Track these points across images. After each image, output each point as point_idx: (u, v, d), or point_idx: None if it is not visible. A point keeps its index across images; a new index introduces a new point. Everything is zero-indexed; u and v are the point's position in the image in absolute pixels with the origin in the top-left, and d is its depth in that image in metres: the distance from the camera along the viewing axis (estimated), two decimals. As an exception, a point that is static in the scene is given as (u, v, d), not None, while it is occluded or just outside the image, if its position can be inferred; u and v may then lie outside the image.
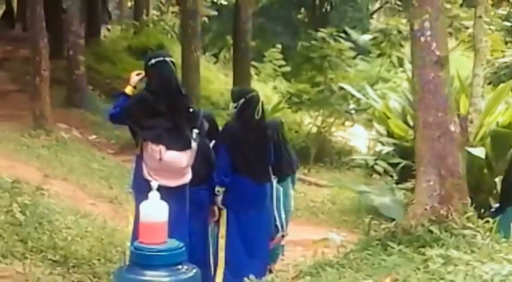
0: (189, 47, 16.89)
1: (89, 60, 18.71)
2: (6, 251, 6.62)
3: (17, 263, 6.52)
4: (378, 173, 14.25)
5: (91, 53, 20.19)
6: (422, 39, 5.71)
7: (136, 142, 5.95)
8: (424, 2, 5.73)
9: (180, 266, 4.14)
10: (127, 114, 5.82)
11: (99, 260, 7.08)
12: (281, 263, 8.12)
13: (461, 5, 20.73)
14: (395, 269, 4.76)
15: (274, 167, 7.19)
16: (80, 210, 8.56)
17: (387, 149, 13.92)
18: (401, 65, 21.94)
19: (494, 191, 10.06)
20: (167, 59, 5.98)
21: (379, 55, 22.65)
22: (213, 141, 6.90)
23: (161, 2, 34.27)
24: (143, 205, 4.27)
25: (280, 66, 25.21)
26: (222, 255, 7.06)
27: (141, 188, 5.68)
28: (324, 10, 32.30)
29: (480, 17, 11.27)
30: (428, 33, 5.69)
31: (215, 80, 24.75)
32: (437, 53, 5.68)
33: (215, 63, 29.39)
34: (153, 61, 5.93)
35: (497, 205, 7.19)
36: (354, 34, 28.15)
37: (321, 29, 18.38)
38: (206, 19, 31.07)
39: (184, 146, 5.82)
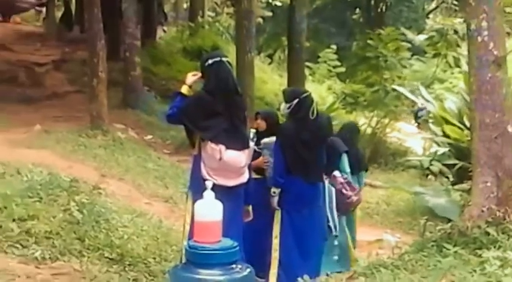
0: (243, 48, 16.95)
1: (145, 62, 18.91)
2: (64, 248, 6.73)
3: (75, 261, 6.62)
4: (433, 174, 14.14)
5: (147, 54, 20.40)
6: (479, 39, 5.65)
7: (192, 142, 5.98)
8: (481, 1, 5.67)
9: (234, 265, 4.16)
10: (185, 114, 5.86)
11: (154, 258, 7.14)
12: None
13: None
14: (451, 271, 4.72)
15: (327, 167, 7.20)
16: (135, 210, 8.63)
17: (443, 150, 13.79)
18: (457, 65, 21.72)
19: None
20: (224, 59, 6.01)
21: (435, 55, 22.49)
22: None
23: (216, 3, 34.49)
24: (198, 204, 4.31)
25: (334, 67, 25.17)
26: (275, 255, 7.07)
27: (198, 188, 5.72)
28: (379, 10, 32.10)
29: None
30: (486, 32, 5.62)
31: (269, 80, 24.80)
32: (495, 52, 5.61)
33: (270, 64, 29.46)
34: (210, 61, 5.96)
35: None
36: (409, 34, 27.92)
37: (376, 29, 18.28)
38: (261, 20, 31.17)
39: (243, 145, 5.86)
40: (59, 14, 29.41)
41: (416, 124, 22.32)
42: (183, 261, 4.52)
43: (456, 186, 12.16)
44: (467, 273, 4.59)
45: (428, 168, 14.25)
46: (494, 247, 5.00)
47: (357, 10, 35.00)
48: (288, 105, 6.88)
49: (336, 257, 8.08)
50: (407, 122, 22.28)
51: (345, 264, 8.01)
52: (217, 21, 30.91)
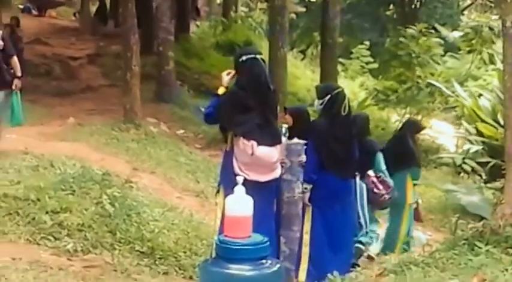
0: (276, 44, 16.94)
1: (178, 56, 18.96)
2: (96, 241, 6.79)
3: (106, 254, 6.68)
4: (466, 172, 14.03)
5: (180, 48, 20.46)
6: (515, 35, 5.59)
7: (225, 137, 6.02)
8: (516, -2, 5.60)
9: (264, 261, 4.17)
10: (219, 112, 5.92)
11: (184, 252, 7.18)
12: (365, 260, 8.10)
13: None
14: (482, 270, 4.69)
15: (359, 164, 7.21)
16: (167, 203, 8.68)
17: (476, 147, 13.69)
18: (492, 62, 21.49)
19: None
20: (257, 56, 6.03)
21: (470, 52, 22.26)
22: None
23: (250, -1, 34.49)
24: (229, 199, 4.32)
25: (367, 63, 25.07)
26: (306, 250, 7.06)
27: (230, 183, 5.76)
28: (413, 6, 31.90)
29: None
30: (521, 29, 5.56)
31: (302, 76, 24.77)
32: (530, 50, 5.55)
33: (302, 59, 29.43)
34: (244, 58, 5.99)
35: None
36: (443, 31, 27.72)
37: (410, 26, 18.17)
38: (294, 15, 31.13)
39: (275, 140, 5.88)
40: (93, 8, 29.63)
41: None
42: (213, 255, 4.54)
43: (489, 184, 12.08)
44: (498, 272, 4.56)
45: (460, 166, 14.14)
46: (527, 246, 4.97)
47: (391, 6, 34.79)
48: (320, 101, 6.87)
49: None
50: (440, 119, 22.13)
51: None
52: (250, 17, 30.94)
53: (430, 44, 17.57)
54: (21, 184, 7.68)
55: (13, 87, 9.11)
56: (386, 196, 8.21)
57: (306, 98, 21.00)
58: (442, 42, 19.22)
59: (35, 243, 6.59)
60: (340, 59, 23.43)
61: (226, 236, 4.21)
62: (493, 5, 28.81)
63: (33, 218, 6.94)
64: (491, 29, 21.61)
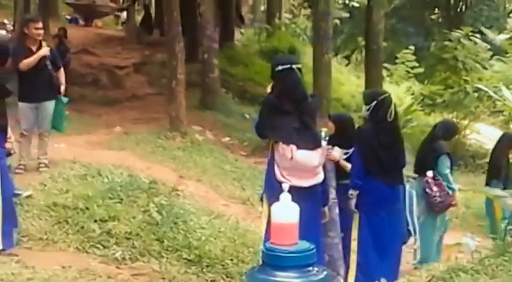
0: (320, 49, 16.89)
1: (223, 64, 19.04)
2: (143, 249, 6.86)
3: (154, 261, 6.74)
4: (515, 177, 13.79)
5: (224, 56, 20.55)
6: (563, 38, 5.51)
7: (267, 145, 6.05)
8: None
9: (310, 268, 4.16)
10: (259, 120, 5.96)
11: (231, 260, 7.20)
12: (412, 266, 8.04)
13: None
14: (533, 276, 4.62)
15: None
16: (213, 211, 8.70)
17: (525, 152, 13.43)
18: (540, 65, 21.15)
19: None
20: (294, 66, 6.02)
21: (517, 55, 21.94)
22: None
23: (293, 5, 34.57)
24: (275, 206, 4.32)
25: (412, 68, 24.85)
26: (354, 257, 7.04)
27: (273, 190, 5.78)
28: (458, 10, 31.58)
29: None
30: None
31: (346, 82, 24.68)
32: None
33: (347, 65, 29.34)
34: (280, 68, 6.01)
35: None
36: (490, 34, 27.38)
37: (455, 29, 18.00)
38: (338, 21, 31.06)
39: (315, 144, 5.87)
40: (139, 18, 29.93)
41: None
42: (260, 263, 4.54)
43: (539, 189, 11.85)
44: (549, 279, 4.49)
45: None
46: None
47: (436, 9, 34.51)
48: (367, 107, 6.84)
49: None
50: (488, 123, 21.86)
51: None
52: (294, 23, 30.95)
53: (476, 48, 17.37)
54: (69, 193, 7.80)
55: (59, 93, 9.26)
56: (438, 198, 8.18)
57: (351, 104, 20.91)
58: (489, 45, 18.98)
59: (84, 252, 6.68)
60: (385, 64, 23.26)
61: (272, 243, 4.21)
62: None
63: (82, 227, 7.04)
64: (539, 31, 21.30)
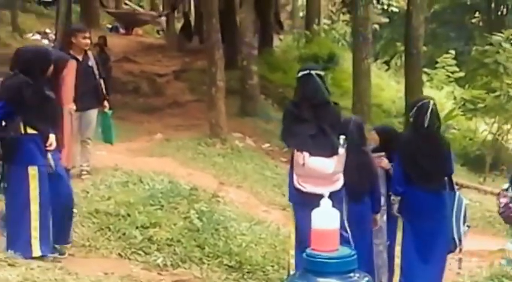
0: (360, 55, 16.85)
1: (262, 70, 19.06)
2: (185, 255, 6.90)
3: (195, 268, 6.77)
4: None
5: (264, 62, 20.57)
6: None
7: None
8: None
9: (352, 274, 4.15)
10: (282, 127, 6.12)
11: (272, 266, 7.20)
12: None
13: None
14: None
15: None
16: (253, 217, 8.71)
17: None
18: None
19: None
20: (312, 72, 6.09)
21: (560, 58, 21.61)
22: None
23: (332, 11, 34.50)
24: (315, 212, 4.32)
25: (453, 72, 24.60)
26: (398, 262, 7.01)
27: (294, 197, 5.86)
28: (499, 13, 31.23)
29: None
30: None
31: (386, 87, 24.53)
32: None
33: (386, 70, 29.17)
34: (299, 74, 6.16)
35: None
36: (531, 37, 26.97)
37: (496, 33, 17.80)
38: (377, 26, 30.93)
39: (331, 152, 5.85)
40: (178, 25, 30.12)
41: None
42: (291, 271, 4.55)
43: None
44: None
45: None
46: None
47: (477, 13, 34.19)
48: (410, 114, 6.89)
49: None
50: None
51: None
52: (333, 29, 30.87)
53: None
54: (111, 200, 7.87)
55: (103, 107, 9.35)
56: (501, 209, 8.00)
57: (391, 110, 20.79)
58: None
59: (126, 258, 6.74)
60: (425, 69, 23.06)
61: (313, 249, 4.21)
62: None
63: (124, 233, 7.10)
64: None
